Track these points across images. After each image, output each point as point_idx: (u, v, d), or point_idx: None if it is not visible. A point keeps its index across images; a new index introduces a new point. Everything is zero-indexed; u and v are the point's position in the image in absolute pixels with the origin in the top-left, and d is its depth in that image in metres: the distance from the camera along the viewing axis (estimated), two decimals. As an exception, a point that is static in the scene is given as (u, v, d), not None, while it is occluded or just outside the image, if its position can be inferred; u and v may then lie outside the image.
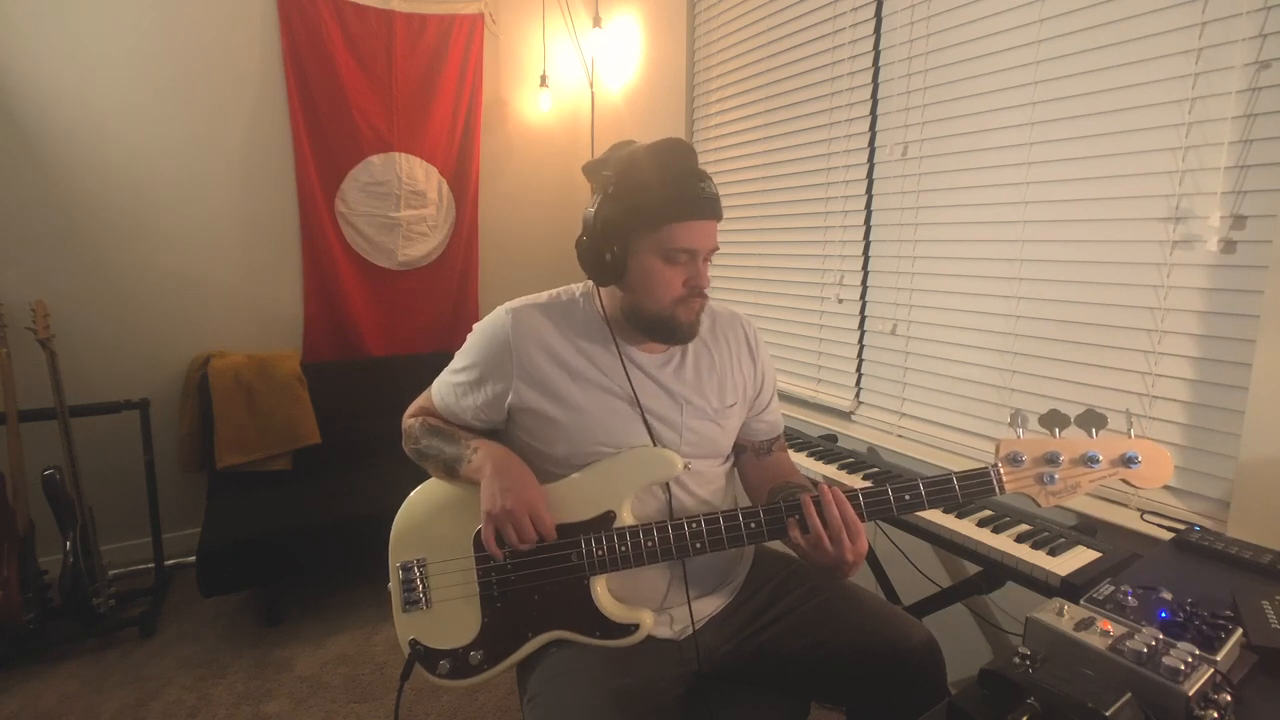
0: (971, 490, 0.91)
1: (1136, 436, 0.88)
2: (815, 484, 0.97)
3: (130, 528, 2.39)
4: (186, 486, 2.47)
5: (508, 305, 1.06)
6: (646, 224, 0.96)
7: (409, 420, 1.15)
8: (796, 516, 0.93)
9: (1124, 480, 0.89)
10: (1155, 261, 1.24)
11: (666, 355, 1.09)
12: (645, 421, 1.03)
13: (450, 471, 1.05)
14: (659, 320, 1.01)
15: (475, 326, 1.08)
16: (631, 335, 1.06)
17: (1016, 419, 0.91)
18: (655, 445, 1.03)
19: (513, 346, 1.02)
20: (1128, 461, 0.87)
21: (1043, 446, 0.90)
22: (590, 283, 1.09)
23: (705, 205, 0.97)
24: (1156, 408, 1.26)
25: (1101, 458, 0.88)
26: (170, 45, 2.32)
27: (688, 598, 1.03)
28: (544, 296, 1.09)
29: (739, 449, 1.18)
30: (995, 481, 0.90)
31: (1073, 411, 0.89)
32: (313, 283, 2.67)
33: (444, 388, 1.11)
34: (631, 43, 2.80)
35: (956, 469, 0.93)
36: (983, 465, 0.92)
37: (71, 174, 2.24)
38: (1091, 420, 0.88)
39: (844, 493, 0.93)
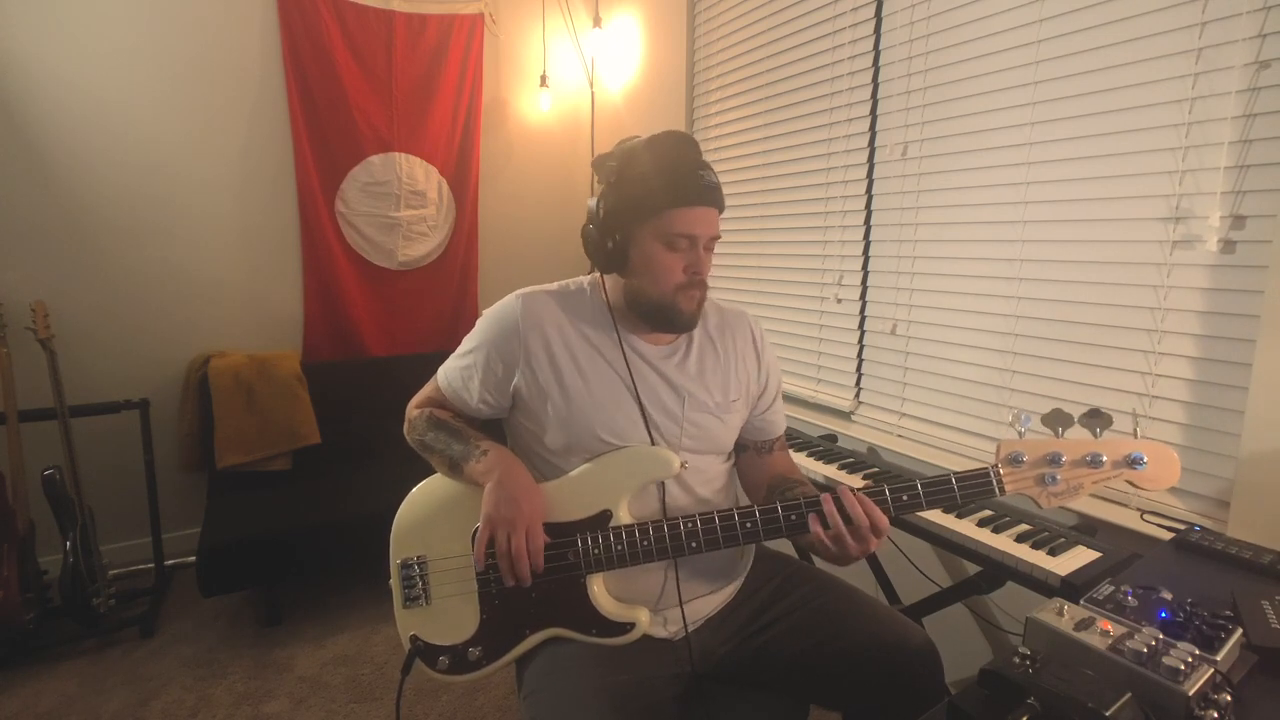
0: (970, 491, 0.91)
1: (1142, 437, 0.87)
2: (831, 489, 0.96)
3: (130, 528, 2.39)
4: (186, 486, 2.47)
5: (518, 291, 1.08)
6: (647, 209, 0.98)
7: (414, 411, 1.15)
8: (816, 512, 0.91)
9: (1129, 481, 0.87)
10: (1155, 261, 1.24)
11: (671, 347, 1.09)
12: (643, 411, 1.03)
13: (454, 468, 1.05)
14: (660, 307, 1.02)
15: (484, 312, 1.10)
16: (636, 326, 1.07)
17: (1018, 419, 0.90)
18: (652, 436, 1.03)
19: (522, 331, 1.03)
20: (1133, 463, 0.86)
21: (1044, 447, 0.89)
22: (596, 274, 1.10)
23: (705, 192, 0.99)
24: (1156, 408, 1.26)
25: (1105, 459, 0.86)
26: (170, 45, 2.32)
27: (680, 599, 1.03)
28: (554, 286, 1.11)
29: (740, 447, 1.18)
30: (995, 483, 0.90)
31: (1075, 411, 0.87)
32: (313, 283, 2.67)
33: (450, 372, 1.12)
34: (631, 43, 2.80)
35: (956, 469, 0.92)
36: (983, 466, 0.91)
37: (72, 174, 2.25)
38: (1096, 420, 0.86)
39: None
